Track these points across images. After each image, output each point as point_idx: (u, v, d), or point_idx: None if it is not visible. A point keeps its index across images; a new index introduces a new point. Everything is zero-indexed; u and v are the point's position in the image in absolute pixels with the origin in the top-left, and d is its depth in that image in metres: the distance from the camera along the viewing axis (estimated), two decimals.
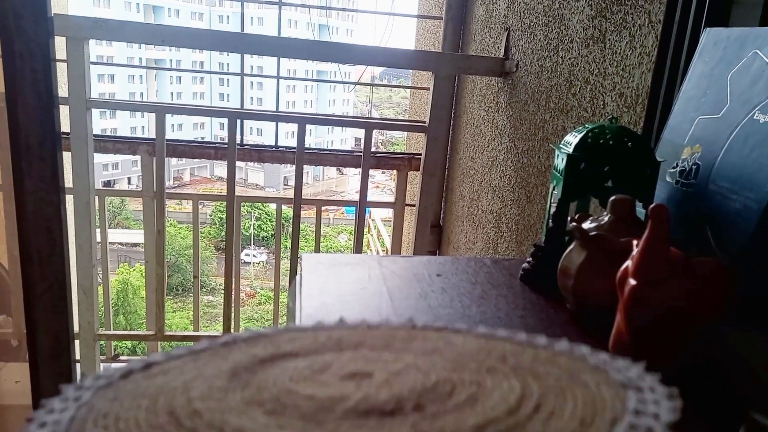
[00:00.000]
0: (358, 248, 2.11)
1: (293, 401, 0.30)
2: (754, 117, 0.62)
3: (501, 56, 1.83)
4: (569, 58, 1.37)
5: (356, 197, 2.10)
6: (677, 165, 0.73)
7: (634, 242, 0.55)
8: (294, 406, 0.29)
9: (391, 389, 0.31)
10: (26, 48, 0.86)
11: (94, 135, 1.95)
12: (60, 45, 1.99)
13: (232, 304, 2.16)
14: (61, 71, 1.76)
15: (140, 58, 26.87)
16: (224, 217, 2.10)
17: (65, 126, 2.00)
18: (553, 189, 0.77)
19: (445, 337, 0.39)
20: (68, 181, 1.91)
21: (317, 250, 2.44)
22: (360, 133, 2.04)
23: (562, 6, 1.42)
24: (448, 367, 0.34)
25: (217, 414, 0.29)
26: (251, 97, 26.46)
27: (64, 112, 2.07)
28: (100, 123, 23.34)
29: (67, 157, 2.02)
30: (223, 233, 2.10)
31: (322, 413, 0.29)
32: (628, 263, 0.53)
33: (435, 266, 0.78)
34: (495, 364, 0.34)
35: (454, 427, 0.27)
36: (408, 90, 4.27)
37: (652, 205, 0.50)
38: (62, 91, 2.00)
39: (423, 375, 0.32)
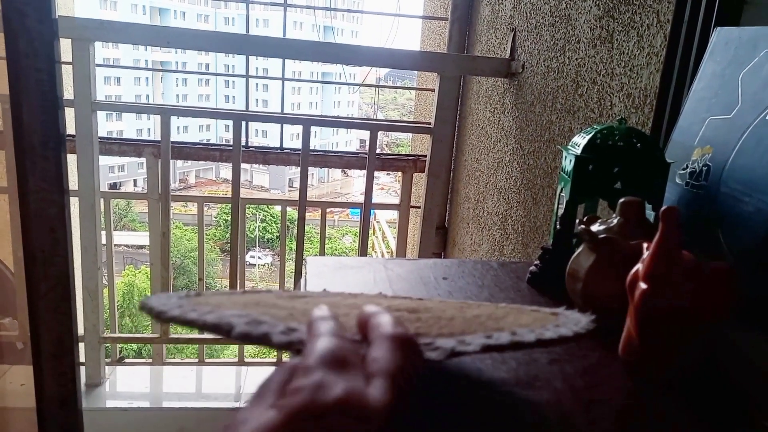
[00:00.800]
0: (363, 250, 2.10)
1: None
2: (767, 118, 0.61)
3: (507, 57, 1.82)
4: (576, 59, 1.36)
5: (361, 199, 2.09)
6: (687, 166, 0.72)
7: (645, 245, 0.54)
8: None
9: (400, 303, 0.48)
10: (30, 47, 0.86)
11: (100, 137, 1.95)
12: (66, 48, 1.99)
13: None
14: (67, 74, 1.77)
15: (146, 61, 27.00)
16: (229, 219, 2.09)
17: (71, 128, 2.01)
18: (561, 191, 0.75)
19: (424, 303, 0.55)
20: (74, 184, 1.92)
21: (322, 252, 2.44)
22: (365, 134, 2.04)
23: (569, 6, 1.41)
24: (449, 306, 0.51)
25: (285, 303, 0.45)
26: (256, 99, 26.52)
27: (69, 114, 2.07)
28: (107, 125, 23.46)
29: (72, 159, 2.03)
30: (229, 235, 2.10)
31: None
32: (639, 266, 0.52)
33: (441, 269, 0.77)
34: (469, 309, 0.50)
35: (451, 321, 0.42)
36: (413, 92, 4.27)
37: (663, 208, 0.49)
38: (68, 93, 2.00)
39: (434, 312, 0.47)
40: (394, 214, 2.56)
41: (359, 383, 0.28)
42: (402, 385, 0.29)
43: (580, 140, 0.72)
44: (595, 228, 0.65)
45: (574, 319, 0.47)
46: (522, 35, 1.75)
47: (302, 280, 0.74)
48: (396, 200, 2.52)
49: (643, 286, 0.50)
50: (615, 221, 0.64)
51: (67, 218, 0.99)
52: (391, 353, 0.30)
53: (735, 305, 0.49)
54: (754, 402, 0.49)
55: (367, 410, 0.27)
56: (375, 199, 2.13)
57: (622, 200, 0.64)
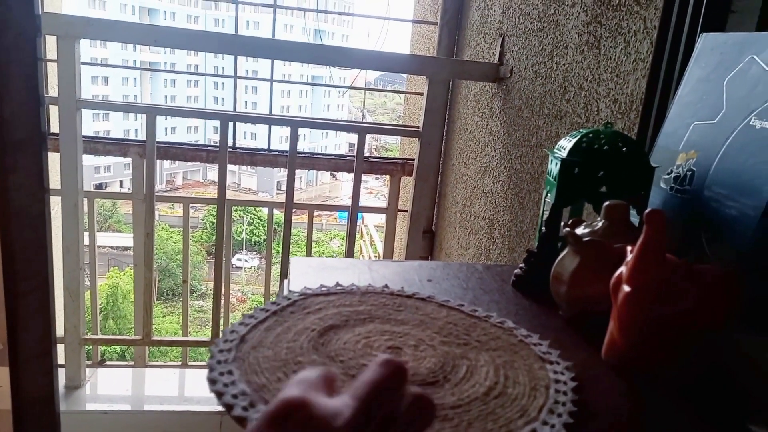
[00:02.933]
0: (349, 253, 2.09)
1: (360, 368, 0.49)
2: (751, 123, 0.62)
3: (495, 62, 1.83)
4: (564, 64, 1.37)
5: (349, 202, 2.08)
6: (672, 171, 0.72)
7: (629, 248, 0.54)
8: (360, 369, 0.49)
9: (421, 364, 0.51)
10: (15, 41, 0.84)
11: (85, 136, 1.92)
12: (51, 45, 1.97)
13: (221, 308, 2.14)
14: (52, 72, 1.74)
15: (134, 61, 26.81)
16: (216, 221, 2.07)
17: (54, 126, 1.98)
18: (547, 194, 0.75)
19: (419, 308, 0.63)
20: (57, 183, 1.89)
21: (309, 254, 2.42)
22: (354, 138, 2.03)
23: (557, 12, 1.42)
24: (437, 339, 0.56)
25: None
26: (245, 101, 26.43)
27: (53, 112, 2.05)
28: (93, 125, 23.23)
29: (56, 158, 2.00)
30: (215, 237, 2.08)
31: None
32: (622, 269, 0.52)
33: (426, 271, 0.77)
34: (467, 340, 0.57)
35: (471, 392, 0.47)
36: (402, 96, 4.28)
37: (647, 210, 0.49)
38: (52, 91, 1.97)
39: (434, 351, 0.54)
40: (381, 219, 2.56)
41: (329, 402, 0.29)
42: (375, 409, 0.29)
43: (566, 144, 0.72)
44: (579, 231, 0.64)
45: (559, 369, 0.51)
46: (510, 40, 1.76)
47: (286, 281, 0.73)
48: (384, 204, 2.52)
49: (626, 288, 0.50)
50: (600, 224, 0.64)
51: (47, 217, 0.97)
52: (370, 377, 0.30)
53: (735, 310, 0.49)
54: (748, 405, 0.49)
55: (327, 426, 0.27)
56: (363, 203, 2.12)
57: (607, 203, 0.64)
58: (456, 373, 0.50)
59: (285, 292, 0.69)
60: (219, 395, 0.44)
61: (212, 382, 0.45)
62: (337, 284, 0.66)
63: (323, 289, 0.64)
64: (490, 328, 0.60)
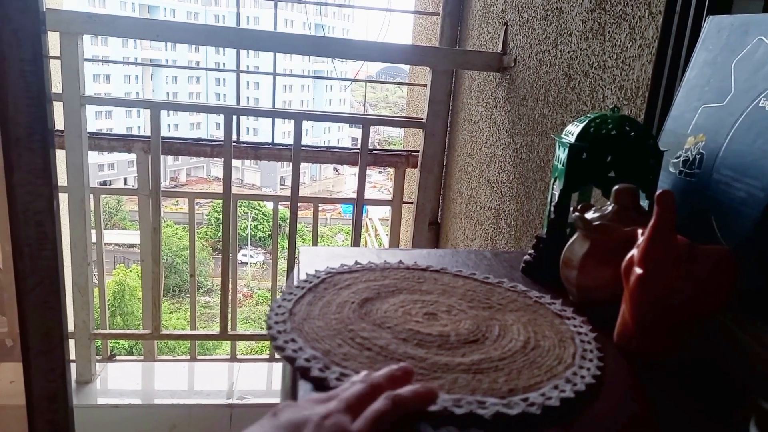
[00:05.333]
0: (355, 244, 2.09)
1: (407, 332, 0.55)
2: (760, 104, 0.61)
3: (499, 51, 1.82)
4: (568, 52, 1.36)
5: (353, 196, 2.08)
6: (680, 155, 0.72)
7: (639, 231, 0.54)
8: (408, 333, 0.55)
9: (459, 326, 0.57)
10: (14, 37, 0.84)
11: (89, 132, 1.93)
12: (54, 43, 1.97)
13: (229, 303, 2.15)
14: (56, 69, 1.75)
15: (136, 58, 26.79)
16: (221, 217, 2.08)
17: (59, 124, 1.98)
18: (555, 180, 0.75)
19: (437, 279, 0.69)
20: (63, 180, 1.90)
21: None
22: (357, 133, 2.03)
23: None
24: (464, 304, 0.63)
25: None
26: (247, 97, 26.39)
27: (58, 109, 2.05)
28: (96, 123, 23.27)
29: (61, 155, 2.00)
30: (220, 233, 2.09)
31: (440, 341, 0.54)
32: (634, 252, 0.52)
33: (435, 259, 0.77)
34: (490, 303, 0.64)
35: (511, 347, 0.54)
36: (405, 89, 4.27)
37: (658, 192, 0.49)
38: (56, 88, 1.97)
39: (465, 314, 0.60)
40: (386, 212, 2.55)
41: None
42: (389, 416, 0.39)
43: (574, 129, 0.72)
44: (589, 215, 0.64)
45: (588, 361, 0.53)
46: (514, 29, 1.75)
47: (295, 270, 0.73)
48: (388, 197, 2.52)
49: (638, 270, 0.50)
50: (609, 209, 0.64)
51: (55, 212, 0.97)
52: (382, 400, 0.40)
53: (735, 290, 0.49)
54: (748, 386, 0.49)
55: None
56: (367, 196, 2.12)
57: (616, 187, 0.64)
58: (491, 331, 0.57)
59: (295, 282, 0.69)
60: (291, 360, 0.49)
61: (280, 349, 0.51)
62: (356, 263, 0.72)
63: (345, 267, 0.70)
64: (505, 293, 0.67)
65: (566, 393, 0.46)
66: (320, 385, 0.46)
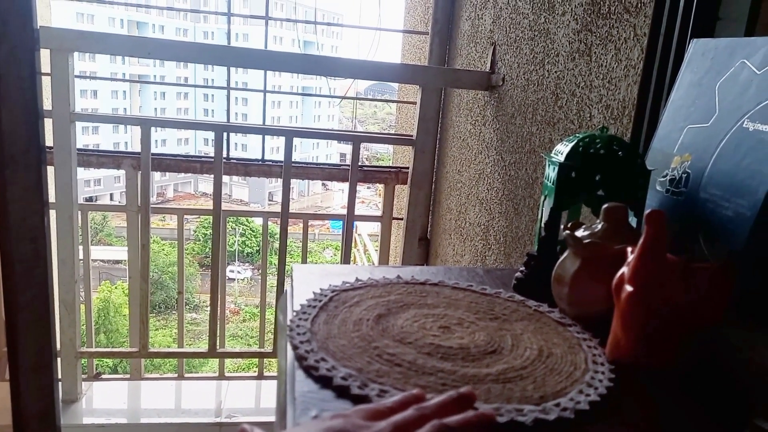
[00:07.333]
0: (345, 261, 2.09)
1: (429, 346, 0.57)
2: (744, 125, 0.63)
3: (487, 70, 1.85)
4: (555, 72, 1.39)
5: (342, 212, 2.09)
6: (667, 174, 0.73)
7: (629, 249, 0.55)
8: (430, 347, 0.56)
9: (475, 338, 0.59)
10: (12, 55, 0.85)
11: (78, 149, 1.92)
12: (44, 59, 1.97)
13: (218, 320, 2.13)
14: (45, 85, 1.74)
15: (124, 74, 26.74)
16: (208, 233, 2.07)
17: (49, 140, 1.97)
18: (545, 198, 0.77)
19: (438, 292, 0.71)
20: (51, 196, 1.88)
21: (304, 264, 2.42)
22: (345, 149, 2.05)
23: (547, 20, 1.44)
24: (472, 316, 0.65)
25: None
26: (236, 113, 26.39)
27: (47, 125, 2.04)
28: (83, 138, 23.12)
29: (49, 172, 1.99)
30: (208, 249, 2.08)
31: (462, 353, 0.56)
32: (624, 270, 0.53)
33: (427, 275, 0.78)
34: (495, 314, 0.66)
35: (528, 355, 0.56)
36: (393, 107, 4.30)
37: (648, 210, 0.50)
38: (46, 104, 1.97)
39: (477, 326, 0.62)
40: (375, 228, 2.56)
41: None
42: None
43: (563, 148, 0.73)
44: (579, 233, 0.66)
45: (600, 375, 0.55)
46: (502, 49, 1.78)
47: (288, 288, 0.73)
48: (377, 213, 2.53)
49: (628, 288, 0.51)
50: (599, 227, 0.66)
51: (47, 229, 0.97)
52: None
53: (730, 304, 0.50)
54: (745, 397, 0.50)
55: None
56: (356, 212, 2.13)
57: (606, 206, 0.66)
58: (505, 341, 0.59)
59: (288, 300, 0.70)
60: (328, 380, 0.50)
61: (314, 368, 0.52)
62: (357, 279, 0.73)
63: (347, 285, 0.71)
64: (505, 303, 0.69)
65: (592, 396, 0.49)
66: (359, 402, 0.47)
